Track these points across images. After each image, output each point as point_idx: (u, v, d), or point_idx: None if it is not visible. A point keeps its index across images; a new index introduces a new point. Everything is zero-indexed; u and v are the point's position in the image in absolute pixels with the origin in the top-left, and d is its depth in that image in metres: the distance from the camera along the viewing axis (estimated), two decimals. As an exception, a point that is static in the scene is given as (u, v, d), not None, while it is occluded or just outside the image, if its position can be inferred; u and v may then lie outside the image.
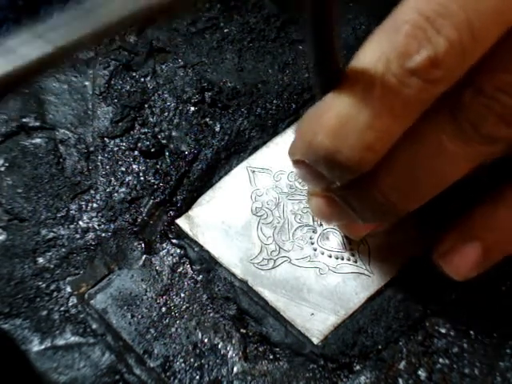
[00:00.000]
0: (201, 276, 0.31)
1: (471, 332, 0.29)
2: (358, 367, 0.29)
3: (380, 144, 0.21)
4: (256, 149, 0.35)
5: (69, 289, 0.31)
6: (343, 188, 0.24)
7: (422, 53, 0.20)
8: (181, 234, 0.33)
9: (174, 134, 0.35)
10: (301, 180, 0.25)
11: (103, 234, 0.32)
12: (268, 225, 0.32)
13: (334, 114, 0.21)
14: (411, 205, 0.24)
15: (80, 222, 0.33)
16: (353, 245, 0.31)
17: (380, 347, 0.29)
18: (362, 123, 0.21)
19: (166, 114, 0.36)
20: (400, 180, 0.23)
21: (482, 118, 0.21)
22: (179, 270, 0.32)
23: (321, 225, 0.32)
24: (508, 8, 0.20)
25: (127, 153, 0.35)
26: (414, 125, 0.22)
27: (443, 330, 0.29)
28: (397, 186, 0.23)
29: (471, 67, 0.21)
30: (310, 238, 0.32)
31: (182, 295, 0.31)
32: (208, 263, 0.32)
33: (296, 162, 0.24)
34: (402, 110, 0.21)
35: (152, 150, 0.35)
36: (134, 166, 0.34)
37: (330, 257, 0.31)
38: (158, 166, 0.34)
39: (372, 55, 0.21)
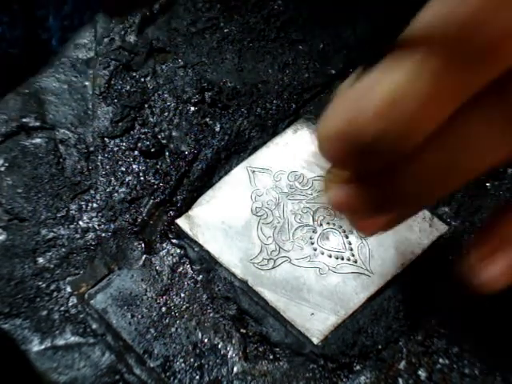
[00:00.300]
0: (201, 276, 0.31)
1: (471, 332, 0.29)
2: (357, 367, 0.29)
3: (433, 121, 0.20)
4: (256, 149, 0.35)
5: (69, 289, 0.31)
6: (373, 172, 0.23)
7: (497, 22, 0.18)
8: (181, 234, 0.33)
9: (174, 134, 0.35)
10: (326, 161, 0.23)
11: (103, 234, 0.32)
12: (268, 225, 0.32)
13: (388, 87, 0.19)
14: (436, 195, 0.23)
15: (80, 222, 0.33)
16: (353, 245, 0.31)
17: (380, 347, 0.29)
18: (420, 99, 0.19)
19: (166, 114, 0.36)
20: (434, 167, 0.22)
21: None
22: (179, 270, 0.32)
23: (321, 225, 0.32)
24: None
25: (127, 153, 0.35)
26: (459, 112, 0.20)
27: (443, 330, 0.29)
28: (430, 173, 0.22)
29: None
30: (310, 238, 0.32)
31: (182, 295, 0.31)
32: (208, 263, 0.32)
33: (327, 140, 0.22)
34: (461, 87, 0.19)
35: (152, 150, 0.35)
36: (134, 166, 0.34)
37: (330, 257, 0.31)
38: (158, 166, 0.35)
39: (435, 20, 0.19)
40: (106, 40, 0.38)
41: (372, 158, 0.22)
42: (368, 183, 0.24)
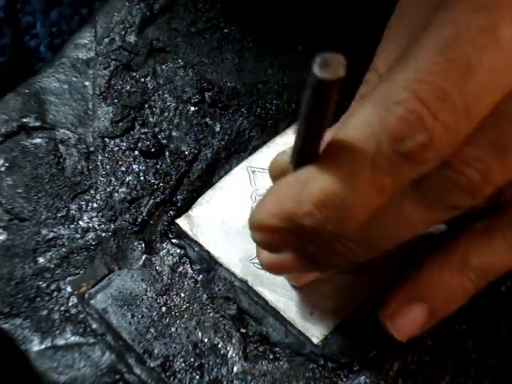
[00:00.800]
0: (201, 276, 0.31)
1: (472, 332, 0.29)
2: (357, 367, 0.29)
3: (365, 216, 0.22)
4: (256, 149, 0.35)
5: (69, 289, 0.31)
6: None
7: (416, 138, 0.20)
8: (181, 234, 0.33)
9: (174, 133, 0.35)
10: (258, 245, 0.25)
11: (103, 234, 0.32)
12: (268, 225, 0.32)
13: (320, 187, 0.21)
14: (365, 257, 0.25)
15: (80, 222, 0.33)
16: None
17: (380, 347, 0.29)
18: (349, 201, 0.21)
19: (166, 113, 0.36)
20: (361, 238, 0.24)
21: (447, 190, 0.22)
22: (179, 270, 0.32)
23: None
24: (501, 87, 0.20)
25: (127, 153, 0.35)
26: None
27: (444, 330, 0.29)
28: (358, 243, 0.24)
29: None
30: (310, 238, 0.32)
31: (182, 295, 0.31)
32: (208, 263, 0.32)
33: (262, 228, 0.23)
34: (390, 188, 0.21)
35: (152, 150, 0.35)
36: (134, 166, 0.35)
37: (330, 257, 0.31)
38: (158, 166, 0.35)
39: (361, 132, 0.20)
40: (106, 40, 0.38)
41: (307, 242, 0.24)
42: (297, 254, 0.25)
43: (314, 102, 0.19)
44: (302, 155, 0.22)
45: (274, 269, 0.27)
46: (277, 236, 0.23)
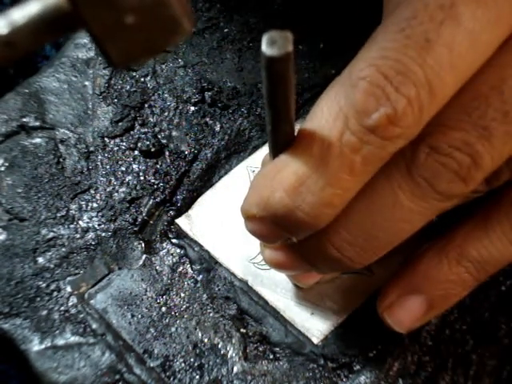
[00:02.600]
0: (201, 276, 0.31)
1: (473, 331, 0.29)
2: (357, 367, 0.29)
3: (338, 200, 0.22)
4: (256, 149, 0.35)
5: (69, 288, 0.31)
6: (299, 242, 0.25)
7: (380, 110, 0.20)
8: (181, 234, 0.33)
9: (173, 133, 0.35)
10: (254, 237, 0.25)
11: (103, 234, 0.32)
12: (268, 225, 0.32)
13: (292, 172, 0.21)
14: (366, 259, 0.24)
15: (80, 222, 0.33)
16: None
17: (380, 347, 0.29)
18: (321, 181, 0.21)
19: (165, 113, 0.36)
20: (355, 235, 0.23)
21: (438, 176, 0.22)
22: (179, 270, 0.32)
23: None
24: (463, 64, 0.20)
25: (127, 152, 0.35)
26: (368, 182, 0.22)
27: (444, 330, 0.29)
28: (352, 241, 0.23)
29: (427, 123, 0.21)
30: (310, 238, 0.32)
31: (182, 295, 0.31)
32: (208, 263, 0.32)
33: (250, 218, 0.24)
34: (360, 166, 0.21)
35: (152, 150, 0.35)
36: (134, 166, 0.34)
37: (330, 257, 0.31)
38: (158, 166, 0.35)
39: (329, 112, 0.21)
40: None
41: (287, 232, 0.23)
42: (294, 249, 0.25)
43: (269, 82, 0.19)
44: (276, 143, 0.22)
45: (274, 266, 0.27)
46: (261, 225, 0.23)
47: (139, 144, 0.35)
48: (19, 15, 0.16)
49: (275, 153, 0.23)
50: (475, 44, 0.20)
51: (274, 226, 0.23)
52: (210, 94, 0.37)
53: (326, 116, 0.21)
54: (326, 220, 0.22)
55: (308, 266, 0.26)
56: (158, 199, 0.33)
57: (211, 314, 0.30)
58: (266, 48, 0.18)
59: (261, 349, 0.29)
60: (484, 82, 0.21)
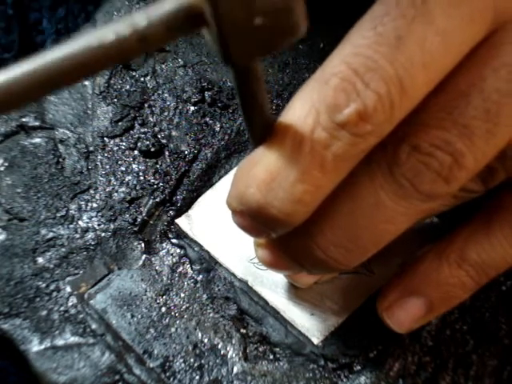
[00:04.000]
0: (201, 276, 0.31)
1: (473, 332, 0.29)
2: (358, 367, 0.29)
3: (310, 198, 0.21)
4: (256, 148, 0.35)
5: (68, 289, 0.31)
6: (285, 241, 0.24)
7: (351, 106, 0.20)
8: (181, 234, 0.32)
9: (173, 133, 0.35)
10: (240, 229, 0.25)
11: (103, 234, 0.32)
12: (268, 225, 0.32)
13: (264, 168, 0.21)
14: (352, 261, 0.24)
15: (80, 222, 0.33)
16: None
17: (380, 347, 0.29)
18: (292, 177, 0.21)
19: (165, 113, 0.36)
20: (339, 236, 0.23)
21: (420, 175, 0.21)
22: (179, 270, 0.31)
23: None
24: (436, 63, 0.20)
25: (127, 152, 0.35)
26: (350, 180, 0.22)
27: (444, 330, 0.29)
28: (336, 242, 0.23)
29: (403, 121, 0.21)
30: (310, 238, 0.32)
31: (182, 295, 0.31)
32: (208, 263, 0.32)
33: (232, 211, 0.24)
34: (331, 163, 0.21)
35: (152, 150, 0.35)
36: (134, 166, 0.34)
37: (330, 257, 0.31)
38: (158, 166, 0.34)
39: (302, 108, 0.21)
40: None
41: (267, 226, 0.23)
42: (282, 249, 0.25)
43: (236, 73, 0.20)
44: (253, 135, 0.22)
45: (267, 265, 0.27)
46: (241, 219, 0.23)
47: (139, 144, 0.35)
48: (156, 11, 0.17)
49: (253, 145, 0.23)
50: (448, 42, 0.20)
51: (252, 221, 0.23)
52: (209, 93, 0.37)
53: (299, 111, 0.21)
54: (300, 217, 0.22)
55: (297, 267, 0.26)
56: (157, 199, 0.33)
57: (211, 315, 0.30)
58: None
59: (261, 349, 0.29)
60: (464, 80, 0.21)
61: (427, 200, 0.22)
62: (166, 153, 0.35)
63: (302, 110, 0.21)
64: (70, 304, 0.30)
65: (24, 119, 0.36)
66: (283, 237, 0.24)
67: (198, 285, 0.31)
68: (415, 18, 0.20)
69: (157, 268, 0.31)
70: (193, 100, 0.36)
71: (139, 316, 0.30)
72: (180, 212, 0.33)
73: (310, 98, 0.21)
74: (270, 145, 0.22)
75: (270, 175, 0.21)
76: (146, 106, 0.36)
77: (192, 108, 0.36)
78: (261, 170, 0.21)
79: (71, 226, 0.33)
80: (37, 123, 0.36)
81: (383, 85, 0.20)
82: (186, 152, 0.35)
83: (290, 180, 0.21)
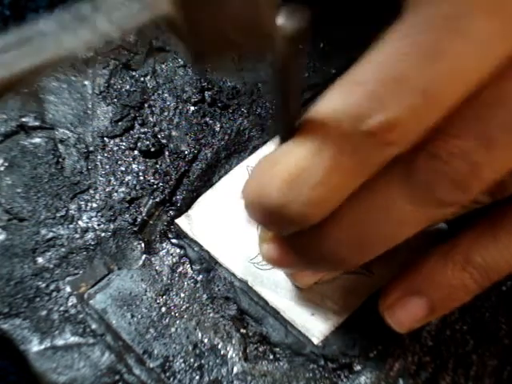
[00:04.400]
0: (201, 276, 0.31)
1: (473, 332, 0.29)
2: (358, 367, 0.29)
3: (329, 201, 0.22)
4: (256, 148, 0.35)
5: (68, 289, 0.31)
6: (294, 237, 0.24)
7: (378, 115, 0.20)
8: (181, 234, 0.32)
9: (173, 133, 0.35)
10: (251, 220, 0.25)
11: (103, 234, 0.32)
12: (268, 225, 0.32)
13: (286, 167, 0.21)
14: (359, 260, 0.24)
15: (79, 222, 0.33)
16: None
17: (380, 347, 0.29)
18: (313, 180, 0.21)
19: (165, 113, 0.36)
20: (349, 236, 0.23)
21: (436, 183, 0.21)
22: (179, 270, 0.31)
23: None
24: (467, 76, 0.20)
25: (127, 152, 0.35)
26: (366, 182, 0.22)
27: (444, 330, 0.29)
28: (346, 242, 0.23)
29: (427, 131, 0.21)
30: (310, 238, 0.32)
31: (182, 295, 0.31)
32: (208, 263, 0.32)
33: (247, 206, 0.24)
34: (353, 170, 0.21)
35: (152, 150, 0.35)
36: (134, 166, 0.34)
37: (330, 257, 0.31)
38: (158, 166, 0.34)
39: (329, 112, 0.21)
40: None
41: (282, 225, 0.23)
42: (290, 246, 0.25)
43: (283, 59, 0.19)
44: (282, 131, 0.22)
45: (271, 261, 0.27)
46: (255, 214, 0.23)
47: (139, 144, 0.35)
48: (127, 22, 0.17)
49: (282, 139, 0.23)
50: (482, 56, 0.20)
51: (266, 217, 0.23)
52: (209, 93, 0.37)
53: (326, 114, 0.21)
54: (315, 219, 0.22)
55: (302, 263, 0.26)
56: (157, 199, 0.33)
57: (211, 315, 0.30)
58: (282, 21, 0.18)
59: (261, 349, 0.29)
60: (490, 92, 0.21)
61: (441, 207, 0.22)
62: (166, 153, 0.35)
63: (326, 117, 0.21)
64: (69, 304, 0.30)
65: (24, 119, 0.36)
66: (292, 233, 0.24)
67: (198, 285, 0.31)
68: (451, 30, 0.20)
69: (157, 268, 0.31)
70: (193, 100, 0.36)
71: (139, 316, 0.30)
72: (180, 212, 0.33)
73: (334, 104, 0.21)
74: (294, 143, 0.22)
75: (292, 176, 0.21)
76: (146, 106, 0.36)
77: (192, 108, 0.36)
78: (283, 169, 0.21)
79: (71, 226, 0.33)
80: (37, 123, 0.35)
81: (411, 97, 0.20)
82: (186, 152, 0.35)
83: (311, 183, 0.21)
